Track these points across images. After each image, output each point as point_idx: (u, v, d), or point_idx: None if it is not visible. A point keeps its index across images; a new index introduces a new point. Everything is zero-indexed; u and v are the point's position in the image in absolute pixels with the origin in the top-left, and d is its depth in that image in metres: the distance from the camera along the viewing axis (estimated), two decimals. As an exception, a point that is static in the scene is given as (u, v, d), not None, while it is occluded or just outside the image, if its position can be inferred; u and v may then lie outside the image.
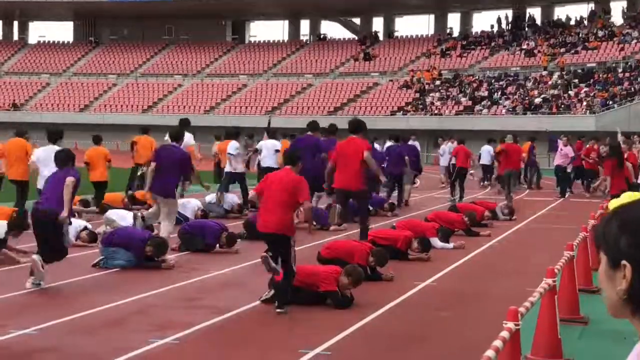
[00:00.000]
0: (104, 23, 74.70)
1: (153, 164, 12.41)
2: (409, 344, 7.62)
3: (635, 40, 54.07)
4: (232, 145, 19.18)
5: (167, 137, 14.41)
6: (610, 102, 47.27)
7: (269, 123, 27.42)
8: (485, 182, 28.76)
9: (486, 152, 27.63)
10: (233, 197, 18.96)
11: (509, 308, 5.14)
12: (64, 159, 10.27)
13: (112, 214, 14.93)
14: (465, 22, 68.28)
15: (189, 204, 17.05)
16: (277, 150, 19.52)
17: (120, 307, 8.93)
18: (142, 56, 72.23)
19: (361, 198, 13.28)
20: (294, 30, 74.12)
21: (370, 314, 8.67)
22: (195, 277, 10.85)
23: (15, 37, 78.03)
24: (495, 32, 63.90)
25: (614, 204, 4.79)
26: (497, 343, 4.58)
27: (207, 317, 8.43)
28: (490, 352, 4.36)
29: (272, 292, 9.01)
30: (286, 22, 74.60)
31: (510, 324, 4.97)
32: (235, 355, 7.18)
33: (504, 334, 4.80)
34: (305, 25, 74.64)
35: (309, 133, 17.82)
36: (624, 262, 1.77)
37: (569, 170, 26.23)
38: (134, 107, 65.26)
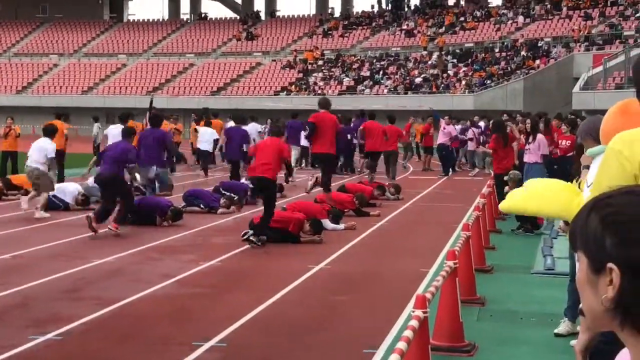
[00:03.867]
0: (-28, 0, 71.40)
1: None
2: (306, 331, 7.38)
3: (510, 21, 55.42)
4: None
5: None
6: (488, 82, 48.32)
7: (151, 103, 26.62)
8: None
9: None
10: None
11: (417, 295, 4.94)
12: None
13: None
14: (346, 2, 68.54)
15: (68, 189, 16.39)
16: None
17: (-3, 301, 8.35)
18: (15, 35, 69.42)
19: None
20: (174, 8, 72.75)
21: (264, 301, 8.37)
22: (77, 266, 10.28)
23: None
24: (375, 12, 64.38)
25: (512, 197, 4.66)
26: (408, 333, 4.36)
27: (91, 309, 7.95)
28: (401, 344, 4.14)
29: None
30: (165, 1, 73.12)
31: (419, 312, 4.76)
32: (123, 350, 6.75)
33: (413, 322, 4.59)
34: (185, 4, 73.43)
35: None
36: (610, 265, 1.45)
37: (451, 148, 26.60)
38: (8, 88, 62.69)
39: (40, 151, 15.15)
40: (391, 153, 23.30)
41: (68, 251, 11.46)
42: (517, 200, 4.53)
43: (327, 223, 13.49)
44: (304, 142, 24.10)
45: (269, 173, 12.13)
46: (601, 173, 3.08)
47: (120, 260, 10.84)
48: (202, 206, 16.04)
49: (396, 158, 24.19)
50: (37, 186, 15.11)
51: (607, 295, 1.46)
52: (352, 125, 25.65)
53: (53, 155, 15.32)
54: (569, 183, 4.40)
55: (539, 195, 4.33)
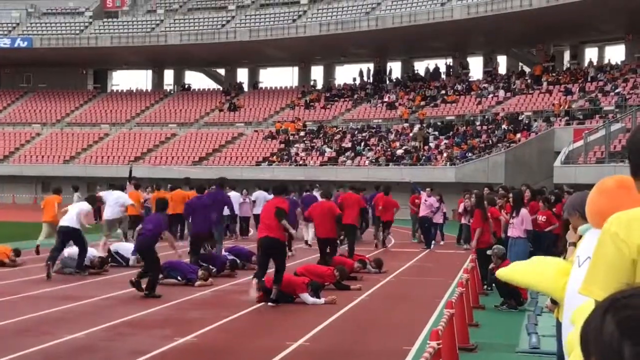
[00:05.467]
0: (-44, 69, 71.46)
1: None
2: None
3: (491, 95, 55.93)
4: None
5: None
6: (470, 154, 48.47)
7: (131, 172, 26.46)
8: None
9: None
10: (92, 251, 17.90)
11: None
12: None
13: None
14: (329, 74, 69.12)
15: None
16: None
17: (-43, 380, 7.94)
18: (-3, 104, 69.42)
19: None
20: (158, 80, 73.04)
21: (239, 380, 8.01)
22: (45, 342, 9.87)
23: None
24: (357, 84, 64.91)
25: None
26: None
27: (57, 389, 7.56)
28: None
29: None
30: (149, 72, 73.44)
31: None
32: None
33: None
34: (169, 75, 73.69)
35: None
36: None
37: (435, 221, 26.29)
38: (-12, 157, 62.38)
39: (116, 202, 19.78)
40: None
41: (36, 326, 11.03)
42: (514, 270, 4.46)
43: (307, 297, 13.16)
44: None
45: (333, 234, 17.54)
46: (597, 258, 2.81)
47: (90, 336, 10.43)
48: (179, 278, 15.67)
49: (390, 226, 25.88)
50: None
51: None
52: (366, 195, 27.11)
53: (130, 201, 20.39)
54: (566, 262, 4.26)
55: (531, 270, 4.21)
